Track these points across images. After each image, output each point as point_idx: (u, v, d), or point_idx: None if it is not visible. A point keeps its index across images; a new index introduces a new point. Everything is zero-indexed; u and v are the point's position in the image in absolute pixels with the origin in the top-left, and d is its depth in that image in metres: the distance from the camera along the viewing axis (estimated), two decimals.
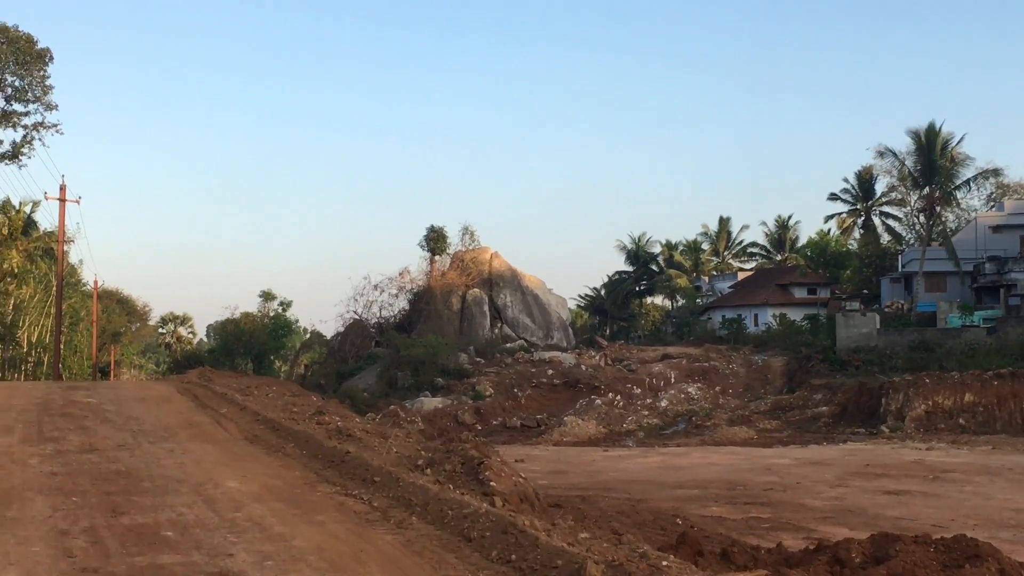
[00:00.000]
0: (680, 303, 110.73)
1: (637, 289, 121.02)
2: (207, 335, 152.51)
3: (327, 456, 17.45)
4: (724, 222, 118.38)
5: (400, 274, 79.95)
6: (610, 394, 66.92)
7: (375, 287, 79.43)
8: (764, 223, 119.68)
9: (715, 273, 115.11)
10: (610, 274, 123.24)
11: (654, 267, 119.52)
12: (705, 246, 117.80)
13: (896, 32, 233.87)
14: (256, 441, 19.88)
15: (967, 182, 76.51)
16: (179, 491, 14.82)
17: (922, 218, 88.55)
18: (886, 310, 76.05)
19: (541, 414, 64.07)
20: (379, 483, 15.33)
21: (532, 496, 17.71)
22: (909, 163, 78.47)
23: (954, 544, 15.65)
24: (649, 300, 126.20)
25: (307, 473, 16.34)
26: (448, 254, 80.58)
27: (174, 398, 27.44)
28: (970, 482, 30.56)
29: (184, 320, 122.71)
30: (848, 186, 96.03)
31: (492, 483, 16.38)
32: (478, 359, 71.42)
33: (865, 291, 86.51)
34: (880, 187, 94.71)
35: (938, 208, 77.88)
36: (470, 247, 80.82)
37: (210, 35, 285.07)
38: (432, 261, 79.90)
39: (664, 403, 65.62)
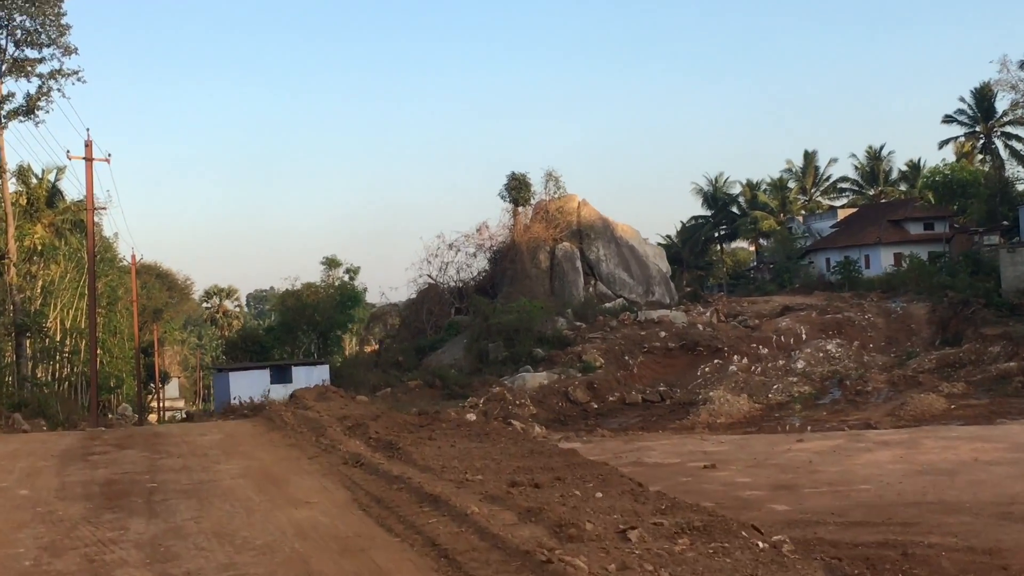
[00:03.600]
0: (767, 246, 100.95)
1: (716, 235, 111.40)
2: (247, 305, 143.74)
3: None
4: (810, 156, 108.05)
5: (478, 230, 70.53)
6: (735, 356, 57.57)
7: (450, 246, 70.03)
8: (854, 155, 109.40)
9: (804, 212, 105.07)
10: (685, 220, 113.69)
11: (734, 210, 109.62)
12: (791, 184, 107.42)
13: None
14: None
15: None
16: None
17: None
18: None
19: (659, 384, 54.91)
20: None
21: None
22: None
23: None
24: (730, 245, 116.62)
25: None
26: (530, 205, 70.77)
27: (351, 524, 13.80)
28: None
29: (230, 293, 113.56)
30: (965, 106, 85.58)
31: None
32: (578, 323, 62.00)
33: (1004, 222, 76.38)
34: (1002, 105, 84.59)
35: None
36: (555, 195, 70.96)
37: None
38: (515, 213, 70.11)
39: (800, 364, 56.18)
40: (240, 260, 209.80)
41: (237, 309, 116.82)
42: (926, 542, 18.51)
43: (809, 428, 41.13)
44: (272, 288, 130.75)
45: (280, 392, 57.96)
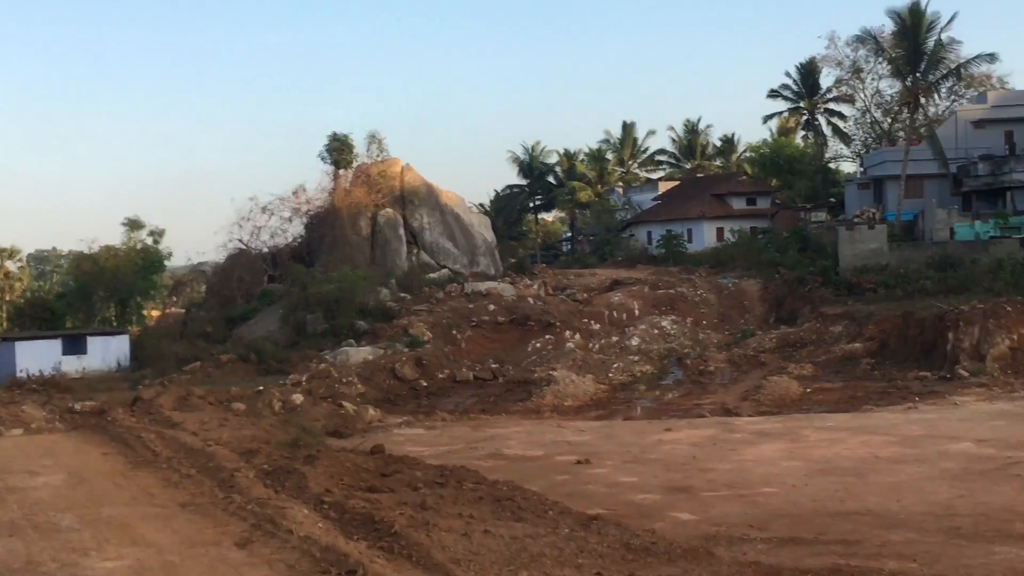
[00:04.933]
0: (584, 217, 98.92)
1: (532, 204, 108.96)
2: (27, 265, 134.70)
3: None
4: (628, 127, 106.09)
5: (294, 193, 65.76)
6: (567, 332, 54.89)
7: (263, 210, 65.20)
8: (672, 128, 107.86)
9: (622, 184, 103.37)
10: (499, 189, 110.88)
11: (551, 180, 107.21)
12: (609, 155, 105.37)
13: None
14: None
15: (957, 69, 65.71)
16: None
17: (879, 115, 79.07)
18: (855, 221, 64.91)
19: (488, 360, 51.87)
20: None
21: None
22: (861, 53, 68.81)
23: None
24: (545, 216, 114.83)
25: None
26: (352, 168, 66.47)
27: None
28: None
29: (12, 253, 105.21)
30: (790, 81, 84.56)
31: None
32: (402, 295, 58.42)
33: (831, 200, 75.79)
34: (827, 81, 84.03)
35: (923, 101, 66.79)
36: (378, 159, 66.80)
37: None
38: (336, 176, 65.75)
39: (635, 341, 53.86)
40: (18, 217, 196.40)
41: (20, 270, 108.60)
42: (886, 569, 15.83)
43: (639, 410, 39.05)
44: (55, 248, 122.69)
45: (74, 364, 52.81)
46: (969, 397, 36.58)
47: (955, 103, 76.27)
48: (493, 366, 50.53)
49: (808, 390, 40.84)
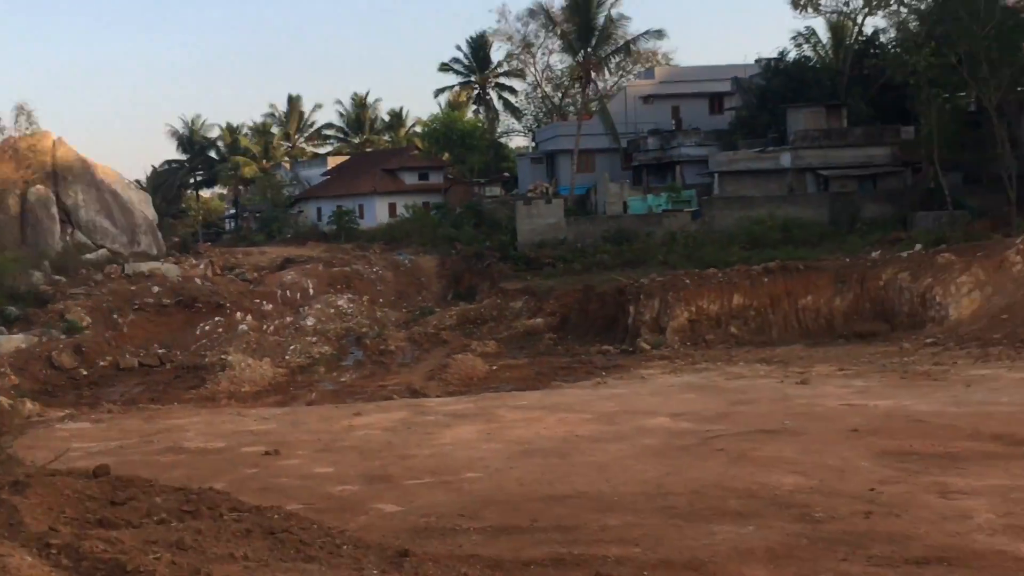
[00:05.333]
0: (248, 194, 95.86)
1: (192, 180, 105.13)
2: None
3: None
4: (294, 101, 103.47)
5: None
6: (238, 313, 52.51)
7: None
8: (340, 102, 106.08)
9: (288, 159, 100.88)
10: (157, 164, 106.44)
11: (213, 155, 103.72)
12: (275, 129, 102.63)
13: None
14: None
15: (626, 45, 66.77)
16: None
17: (550, 89, 79.96)
18: (530, 195, 65.15)
19: (154, 345, 48.90)
20: None
21: None
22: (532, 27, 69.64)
23: None
24: (204, 193, 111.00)
25: None
26: None
27: None
28: None
29: None
30: (461, 55, 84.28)
31: None
32: (57, 277, 54.33)
33: (505, 174, 75.84)
34: (498, 56, 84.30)
35: (594, 76, 67.58)
36: (27, 132, 61.98)
37: None
38: None
39: (310, 321, 52.09)
40: None
41: None
42: (610, 556, 14.70)
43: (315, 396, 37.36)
44: None
45: None
46: (654, 370, 36.71)
47: (624, 79, 77.92)
48: (160, 351, 47.74)
49: (494, 367, 40.19)
